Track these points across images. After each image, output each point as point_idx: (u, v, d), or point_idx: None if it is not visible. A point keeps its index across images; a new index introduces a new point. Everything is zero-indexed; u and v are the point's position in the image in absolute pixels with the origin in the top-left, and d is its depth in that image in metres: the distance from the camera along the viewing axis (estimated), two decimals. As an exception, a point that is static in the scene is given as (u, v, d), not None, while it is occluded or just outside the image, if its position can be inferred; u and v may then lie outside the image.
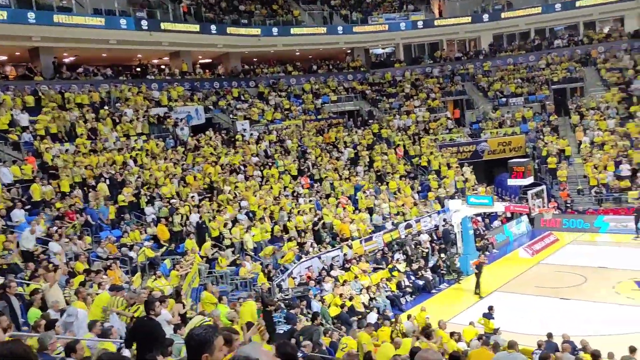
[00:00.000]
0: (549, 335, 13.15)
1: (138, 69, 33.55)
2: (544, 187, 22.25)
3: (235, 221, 20.29)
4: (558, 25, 42.20)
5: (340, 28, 39.90)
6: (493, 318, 14.37)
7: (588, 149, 32.26)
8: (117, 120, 25.54)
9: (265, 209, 21.76)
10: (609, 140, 32.15)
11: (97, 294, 10.92)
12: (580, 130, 33.92)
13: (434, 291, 20.32)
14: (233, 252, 18.67)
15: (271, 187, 24.25)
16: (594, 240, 25.77)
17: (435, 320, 14.08)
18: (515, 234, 27.51)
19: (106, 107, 26.47)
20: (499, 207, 22.73)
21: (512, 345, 10.78)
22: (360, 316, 16.55)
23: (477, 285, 19.65)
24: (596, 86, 37.49)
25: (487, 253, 24.10)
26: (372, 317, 15.89)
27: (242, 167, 25.34)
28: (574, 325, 15.48)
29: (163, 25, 30.48)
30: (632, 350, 12.00)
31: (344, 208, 23.97)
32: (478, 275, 19.69)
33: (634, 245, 24.22)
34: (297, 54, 40.55)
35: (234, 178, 23.86)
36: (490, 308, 14.84)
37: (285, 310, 14.56)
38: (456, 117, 38.87)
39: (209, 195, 21.97)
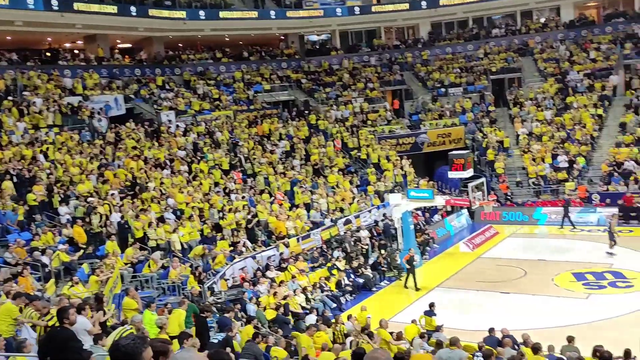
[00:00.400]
0: (490, 330, 13.62)
1: (48, 54, 32.09)
2: (483, 179, 22.96)
3: (161, 220, 19.81)
4: (496, 14, 43.76)
5: (272, 12, 39.66)
6: (435, 315, 14.75)
7: (526, 140, 33.67)
8: (25, 111, 24.34)
9: (194, 206, 21.35)
10: (547, 132, 33.67)
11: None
12: (518, 121, 35.34)
13: (374, 289, 20.60)
14: (164, 255, 18.22)
15: (200, 183, 23.83)
16: (533, 232, 26.94)
17: (377, 320, 14.28)
18: (456, 227, 28.35)
19: (11, 97, 25.16)
20: (439, 200, 23.31)
21: (454, 342, 11.10)
22: (297, 318, 16.58)
23: (414, 281, 20.27)
24: (533, 77, 39.17)
25: (428, 248, 24.72)
26: (311, 319, 15.92)
27: (167, 162, 24.76)
28: (515, 319, 16.13)
29: (76, 5, 29.24)
30: (570, 339, 12.66)
31: (280, 204, 23.89)
32: (411, 270, 20.30)
33: (570, 236, 25.50)
34: (227, 39, 40.01)
35: (159, 174, 23.28)
36: (432, 305, 15.23)
37: (218, 315, 14.34)
38: (395, 107, 39.58)
39: (131, 192, 21.33)
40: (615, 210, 25.98)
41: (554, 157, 31.72)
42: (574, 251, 23.06)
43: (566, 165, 30.94)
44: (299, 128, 33.03)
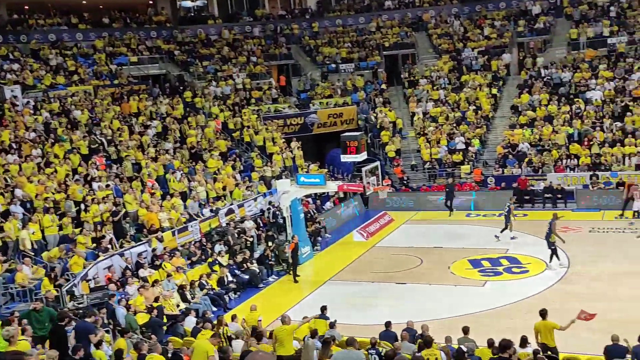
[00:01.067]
0: (387, 324, 14.07)
1: None
2: (378, 163, 23.61)
3: (6, 215, 18.52)
4: (388, -16, 44.99)
5: (139, -28, 38.18)
6: (328, 319, 14.95)
7: (421, 121, 35.08)
8: None
9: (47, 198, 20.16)
10: (442, 112, 35.29)
11: None
12: (413, 101, 36.73)
13: (261, 285, 20.68)
14: (12, 255, 17.09)
15: (55, 171, 22.53)
16: (428, 219, 28.17)
17: (269, 321, 14.27)
18: (349, 215, 29.02)
19: None
20: (331, 186, 23.67)
21: (350, 343, 11.35)
22: (174, 321, 16.23)
23: (294, 271, 20.81)
24: (428, 53, 40.83)
25: (319, 238, 25.11)
26: (190, 321, 15.65)
27: (14, 146, 23.16)
28: (412, 310, 16.82)
29: None
30: (465, 330, 13.42)
31: (151, 194, 23.18)
32: (294, 260, 20.82)
33: (467, 222, 26.97)
34: (84, 2, 37.98)
35: (2, 159, 21.73)
36: (324, 309, 15.31)
37: (75, 323, 13.61)
38: (282, 85, 39.69)
39: (-32, 182, 19.74)
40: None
41: (450, 139, 33.31)
42: (470, 237, 24.43)
43: (462, 147, 32.60)
44: (173, 106, 32.16)
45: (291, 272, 21.15)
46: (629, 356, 11.79)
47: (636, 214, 24.56)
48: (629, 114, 30.96)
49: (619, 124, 30.66)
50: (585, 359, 12.39)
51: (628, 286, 17.85)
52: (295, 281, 20.88)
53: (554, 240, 19.80)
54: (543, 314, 13.04)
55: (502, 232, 23.18)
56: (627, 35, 35.99)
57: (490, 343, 12.09)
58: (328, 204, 29.06)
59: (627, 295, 17.16)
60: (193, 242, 21.71)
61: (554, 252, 19.82)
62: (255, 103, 35.99)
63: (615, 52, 35.69)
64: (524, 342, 12.69)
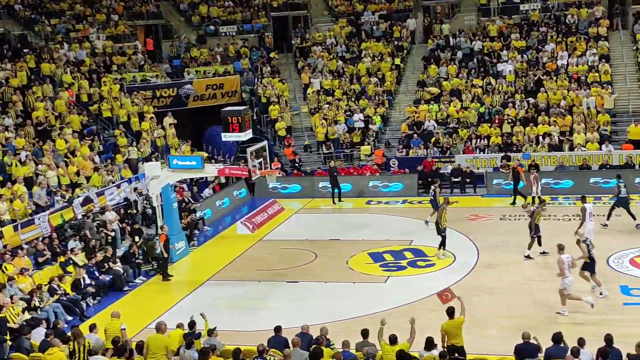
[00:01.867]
0: (277, 330, 14.22)
1: None
2: (265, 143, 23.64)
3: None
4: None
5: None
6: (199, 337, 14.83)
7: (315, 95, 35.46)
8: None
9: None
10: (339, 85, 35.82)
11: None
12: (305, 71, 37.02)
13: (127, 288, 20.36)
14: None
15: None
16: (324, 207, 28.58)
17: (136, 330, 14.03)
18: (232, 204, 28.94)
19: None
20: (210, 170, 23.51)
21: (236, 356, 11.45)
22: (17, 334, 15.63)
23: (164, 270, 20.86)
24: (323, 16, 41.25)
25: (196, 232, 24.90)
26: (39, 333, 15.14)
27: None
28: (305, 312, 17.14)
29: None
30: (365, 334, 13.81)
31: (-13, 179, 22.13)
32: (164, 256, 20.78)
33: (367, 211, 27.64)
34: None
35: None
36: (192, 325, 15.04)
37: None
38: (149, 49, 38.98)
39: None
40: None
41: (348, 116, 33.89)
42: (371, 228, 25.07)
43: (361, 125, 33.28)
44: (15, 73, 30.66)
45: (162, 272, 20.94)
46: (541, 355, 12.60)
47: (534, 199, 25.87)
48: (542, 89, 32.77)
49: (531, 100, 32.37)
50: (494, 360, 13.08)
51: (541, 279, 18.97)
52: (167, 280, 20.72)
53: (444, 226, 20.88)
54: (450, 312, 13.63)
55: (432, 215, 24.12)
56: (540, 1, 37.95)
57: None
58: (207, 191, 28.85)
59: (540, 289, 18.24)
60: (41, 239, 20.98)
61: (443, 241, 21.00)
62: (118, 70, 35.10)
63: (529, 20, 37.59)
64: (429, 344, 13.23)
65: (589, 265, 17.48)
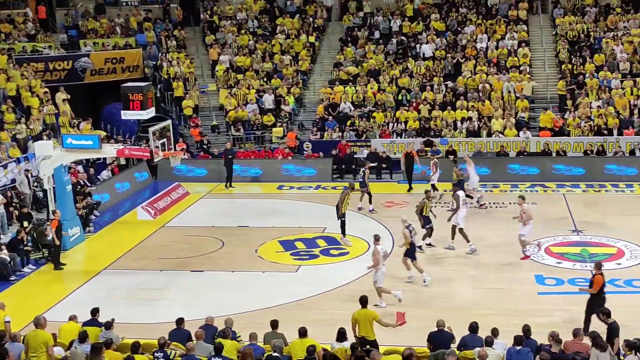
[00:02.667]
0: (179, 322, 14.07)
1: None
2: (169, 122, 23.33)
3: None
4: None
5: None
6: (101, 325, 14.56)
7: (225, 73, 35.15)
8: None
9: None
10: (251, 63, 35.61)
11: None
12: (214, 47, 36.61)
13: (13, 278, 19.79)
14: None
15: None
16: (232, 192, 28.44)
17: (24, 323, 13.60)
18: (133, 188, 28.44)
19: None
20: (109, 150, 23.02)
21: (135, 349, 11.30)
22: None
23: (56, 258, 20.56)
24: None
25: (93, 217, 24.40)
26: None
27: None
28: (211, 303, 17.07)
29: None
30: (274, 325, 13.87)
31: None
32: (56, 243, 20.42)
33: (278, 196, 27.67)
34: None
35: None
36: (95, 312, 14.78)
37: None
38: (41, 17, 37.92)
39: None
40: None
41: (260, 95, 33.76)
42: (282, 214, 25.11)
43: (273, 106, 33.22)
44: None
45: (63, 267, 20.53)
46: (454, 345, 12.93)
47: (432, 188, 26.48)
48: (461, 72, 33.56)
49: (449, 83, 33.06)
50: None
51: (452, 268, 19.53)
52: (59, 269, 20.35)
53: (343, 211, 21.28)
54: (363, 301, 13.80)
55: (370, 202, 24.66)
56: (460, -18, 38.70)
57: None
58: (104, 173, 28.26)
59: (452, 278, 18.79)
60: None
61: (342, 226, 21.40)
62: (5, 40, 33.87)
63: (448, 1, 38.28)
64: (341, 335, 13.38)
65: (410, 252, 18.22)
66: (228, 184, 28.65)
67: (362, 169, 25.47)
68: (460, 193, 21.30)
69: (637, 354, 11.65)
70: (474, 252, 20.29)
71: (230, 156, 28.74)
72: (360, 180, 25.14)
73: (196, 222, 24.61)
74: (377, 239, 17.23)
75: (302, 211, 25.34)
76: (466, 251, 20.42)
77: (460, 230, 20.59)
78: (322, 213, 24.43)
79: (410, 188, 27.16)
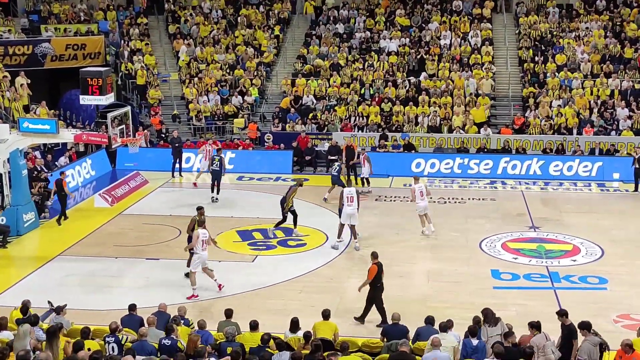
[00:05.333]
0: (131, 308, 13.94)
1: None
2: (128, 108, 23.01)
3: None
4: None
5: None
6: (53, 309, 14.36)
7: (187, 62, 34.84)
8: None
9: None
10: (214, 54, 35.32)
11: None
12: (178, 38, 36.24)
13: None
14: None
15: None
16: (192, 181, 28.16)
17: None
18: (93, 175, 28.09)
19: None
20: (66, 136, 22.69)
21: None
22: None
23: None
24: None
25: (48, 203, 24.04)
26: None
27: None
28: (166, 290, 17.04)
29: None
30: (228, 314, 13.79)
31: None
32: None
33: (237, 187, 27.48)
34: None
35: None
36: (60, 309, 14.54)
37: None
38: (2, 1, 37.29)
39: None
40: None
41: (222, 86, 33.51)
42: (241, 205, 25.02)
43: (236, 97, 32.98)
44: None
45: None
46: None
47: (364, 180, 26.51)
48: (424, 69, 33.63)
49: (412, 79, 33.12)
50: (362, 342, 13.27)
51: (410, 262, 19.56)
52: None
53: (288, 207, 21.07)
54: (326, 315, 13.68)
55: (213, 192, 24.92)
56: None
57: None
58: (62, 160, 27.80)
59: (410, 272, 18.81)
60: None
61: (283, 221, 21.19)
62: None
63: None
64: (294, 325, 13.32)
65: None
66: (177, 173, 28.35)
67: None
68: (417, 186, 21.48)
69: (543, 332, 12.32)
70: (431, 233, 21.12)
71: (177, 145, 28.38)
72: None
73: (154, 211, 24.39)
74: (201, 218, 17.28)
75: (261, 202, 25.17)
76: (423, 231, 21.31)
77: (425, 215, 21.31)
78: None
79: (349, 181, 26.53)
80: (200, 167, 27.70)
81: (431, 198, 22.84)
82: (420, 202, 21.31)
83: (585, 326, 12.23)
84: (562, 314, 12.87)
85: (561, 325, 12.66)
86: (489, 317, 12.94)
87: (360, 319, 15.39)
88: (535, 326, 12.58)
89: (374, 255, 15.79)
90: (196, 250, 17.06)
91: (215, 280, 17.21)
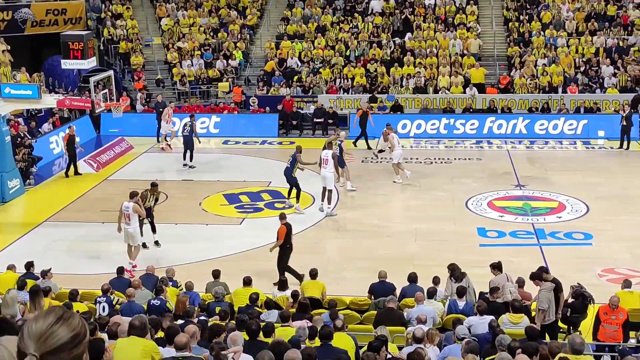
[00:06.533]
0: (119, 271, 14.05)
1: None
2: (111, 73, 22.83)
3: None
4: None
5: None
6: (37, 278, 14.35)
7: (170, 26, 34.46)
8: None
9: None
10: (196, 16, 34.98)
11: None
12: (162, 6, 35.77)
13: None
14: None
15: None
16: (179, 146, 27.99)
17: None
18: (78, 141, 27.90)
19: None
20: (49, 101, 22.49)
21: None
22: None
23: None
24: None
25: (33, 170, 23.97)
26: None
27: None
28: (154, 253, 17.29)
29: None
30: (216, 274, 13.91)
31: None
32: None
33: (223, 151, 27.44)
34: None
35: None
36: (30, 266, 14.52)
37: None
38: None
39: None
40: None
41: (205, 50, 33.22)
42: (227, 168, 24.98)
43: (220, 60, 32.73)
44: None
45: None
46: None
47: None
48: (409, 29, 33.44)
49: (397, 40, 32.97)
50: (349, 300, 13.41)
51: (398, 221, 19.71)
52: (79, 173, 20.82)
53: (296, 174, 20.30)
54: (313, 274, 13.78)
55: (185, 159, 24.63)
56: None
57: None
58: (46, 126, 27.58)
59: (397, 231, 18.92)
60: None
61: (298, 190, 20.08)
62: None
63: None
64: (283, 284, 13.45)
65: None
66: (161, 138, 28.12)
67: (187, 122, 24.86)
68: (395, 134, 22.27)
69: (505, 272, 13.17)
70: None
71: (161, 109, 28.11)
72: (187, 134, 24.49)
73: (140, 176, 24.11)
74: (132, 195, 16.71)
75: (248, 166, 25.17)
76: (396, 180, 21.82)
77: (398, 164, 21.75)
78: (267, 168, 24.35)
79: (368, 147, 26.28)
80: (162, 132, 27.55)
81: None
82: (399, 150, 21.59)
83: (537, 276, 12.62)
84: (544, 271, 13.11)
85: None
86: (455, 272, 13.21)
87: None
88: (496, 267, 13.24)
89: (282, 217, 15.92)
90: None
91: (130, 262, 16.31)
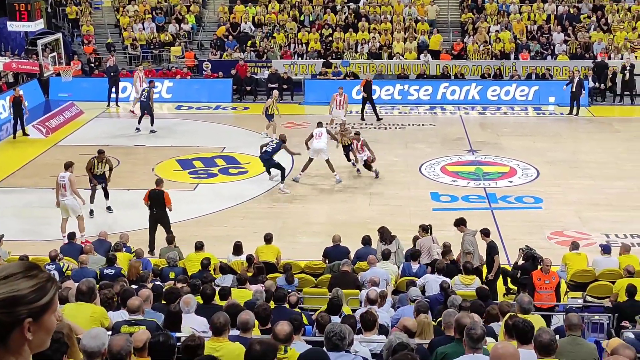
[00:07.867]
0: (70, 236, 13.90)
1: None
2: (59, 35, 22.36)
3: None
4: None
5: None
6: None
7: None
8: None
9: None
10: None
11: None
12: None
13: None
14: None
15: None
16: (125, 110, 27.67)
17: None
18: (26, 106, 27.36)
19: None
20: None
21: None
22: None
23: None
24: None
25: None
26: None
27: None
28: (106, 219, 17.27)
29: None
30: (170, 240, 13.92)
31: None
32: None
33: (176, 116, 27.19)
34: None
35: None
36: None
37: None
38: None
39: None
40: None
41: (157, 14, 32.70)
42: (180, 134, 24.74)
43: (172, 24, 32.28)
44: None
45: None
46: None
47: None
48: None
49: (351, 5, 32.84)
50: (303, 264, 13.48)
51: (352, 186, 19.80)
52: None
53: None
54: (268, 238, 13.77)
55: (140, 123, 24.35)
56: None
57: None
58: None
59: (352, 196, 19.05)
60: None
61: (282, 170, 19.49)
62: None
63: None
64: (237, 248, 13.45)
65: None
66: (113, 103, 27.81)
67: (146, 87, 24.66)
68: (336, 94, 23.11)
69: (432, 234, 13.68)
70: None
71: (113, 74, 27.68)
72: (144, 100, 24.13)
73: (90, 141, 23.73)
74: (67, 165, 16.23)
75: (201, 131, 24.97)
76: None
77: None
78: (221, 133, 24.19)
79: (379, 118, 25.95)
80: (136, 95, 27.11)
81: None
82: (340, 111, 22.74)
83: (460, 222, 13.41)
84: (484, 233, 13.36)
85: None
86: (385, 235, 13.44)
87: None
88: (425, 229, 13.75)
89: (158, 182, 15.86)
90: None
91: (64, 236, 15.39)
